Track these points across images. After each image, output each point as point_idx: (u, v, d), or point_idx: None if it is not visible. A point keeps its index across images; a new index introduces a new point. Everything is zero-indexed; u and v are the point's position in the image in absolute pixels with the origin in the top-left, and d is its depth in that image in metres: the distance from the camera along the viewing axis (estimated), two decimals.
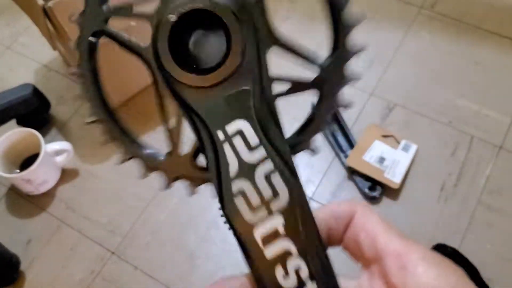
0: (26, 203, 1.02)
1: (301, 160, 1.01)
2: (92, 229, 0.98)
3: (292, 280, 0.25)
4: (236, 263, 0.92)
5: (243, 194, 0.25)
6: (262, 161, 0.25)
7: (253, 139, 0.25)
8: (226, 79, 0.24)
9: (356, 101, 1.06)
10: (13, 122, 1.06)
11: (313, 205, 0.84)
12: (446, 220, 0.93)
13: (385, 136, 1.00)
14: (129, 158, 0.28)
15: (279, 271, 0.25)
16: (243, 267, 0.90)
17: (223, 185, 0.25)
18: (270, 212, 0.25)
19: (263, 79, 0.25)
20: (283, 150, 0.25)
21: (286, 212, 0.25)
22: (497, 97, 1.06)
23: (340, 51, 0.27)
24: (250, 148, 0.25)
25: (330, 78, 0.27)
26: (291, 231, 0.25)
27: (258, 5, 0.25)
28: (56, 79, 1.17)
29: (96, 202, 1.01)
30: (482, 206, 0.94)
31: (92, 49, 0.28)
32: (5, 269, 0.91)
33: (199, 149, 0.27)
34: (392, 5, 1.22)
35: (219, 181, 0.26)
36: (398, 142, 0.99)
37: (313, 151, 0.28)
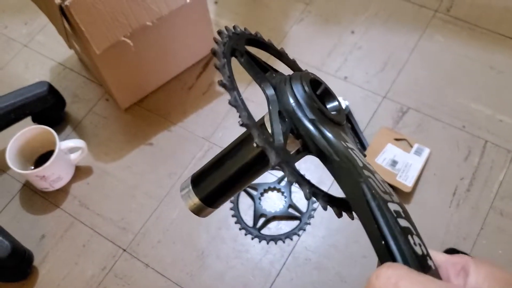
0: (40, 199, 1.03)
1: (312, 162, 1.01)
2: (104, 226, 0.99)
3: (420, 249, 0.29)
4: (246, 263, 0.92)
5: (372, 179, 0.31)
6: (373, 173, 0.32)
7: (362, 158, 0.34)
8: (342, 124, 0.37)
9: (369, 103, 1.06)
10: (28, 119, 1.08)
11: None
12: (458, 225, 0.92)
13: (398, 140, 1.00)
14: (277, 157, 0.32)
15: (411, 240, 0.29)
16: (252, 267, 0.90)
17: (358, 169, 0.32)
18: (392, 200, 0.31)
19: None
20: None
21: (401, 206, 0.31)
22: (511, 102, 1.06)
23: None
24: (363, 161, 0.33)
25: None
26: (407, 216, 0.30)
27: None
28: (71, 77, 1.18)
29: (109, 200, 1.02)
30: (494, 211, 0.93)
31: (228, 61, 0.35)
32: (19, 264, 0.92)
33: None
34: (407, 8, 1.21)
35: (354, 166, 0.32)
36: (411, 146, 0.99)
37: None
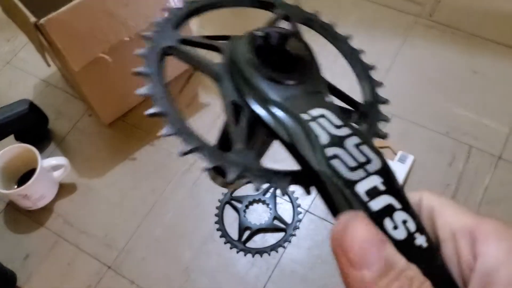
0: (24, 218, 1.02)
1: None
2: (89, 244, 0.98)
3: (402, 231, 0.25)
4: (231, 278, 0.91)
5: (338, 157, 0.26)
6: (348, 136, 0.27)
7: (336, 121, 0.28)
8: (305, 80, 0.30)
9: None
10: (11, 137, 1.07)
11: (309, 217, 0.84)
12: None
13: (381, 147, 0.99)
14: (191, 151, 0.27)
15: (388, 223, 0.25)
16: (238, 281, 0.89)
17: (317, 151, 0.26)
18: (367, 173, 0.26)
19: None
20: (363, 132, 0.28)
21: (382, 173, 0.26)
22: (495, 106, 1.05)
23: (374, 98, 0.35)
24: (335, 126, 0.27)
25: (369, 114, 0.34)
26: (390, 188, 0.26)
27: None
28: (54, 93, 1.18)
29: (93, 216, 1.01)
30: None
31: (162, 59, 0.31)
32: (1, 285, 0.91)
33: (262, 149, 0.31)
34: (389, 14, 1.21)
35: (313, 148, 0.27)
36: (395, 153, 0.98)
37: None
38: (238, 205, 0.98)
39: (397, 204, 0.25)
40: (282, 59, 0.31)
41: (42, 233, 1.00)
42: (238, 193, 1.00)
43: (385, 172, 0.26)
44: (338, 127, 0.27)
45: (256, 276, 0.91)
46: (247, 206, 0.98)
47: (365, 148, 0.27)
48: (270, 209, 0.97)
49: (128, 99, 1.10)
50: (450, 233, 0.25)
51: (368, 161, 0.26)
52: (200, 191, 1.01)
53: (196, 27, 1.23)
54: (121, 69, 1.00)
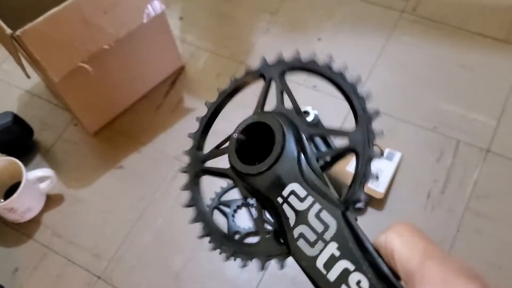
0: (12, 231, 1.01)
1: None
2: (78, 254, 0.97)
3: None
4: (222, 283, 0.90)
5: (302, 236, 0.31)
6: (310, 206, 0.31)
7: (302, 193, 0.32)
8: (275, 162, 0.34)
9: (339, 111, 1.05)
10: None
11: None
12: (434, 229, 0.91)
13: None
14: (232, 255, 0.37)
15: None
16: (229, 287, 0.87)
17: (287, 235, 0.31)
18: (325, 242, 0.30)
19: (306, 156, 0.34)
20: (325, 193, 0.32)
21: (337, 238, 0.30)
22: (482, 99, 1.04)
23: (361, 118, 0.35)
24: (301, 200, 0.32)
25: (360, 140, 0.35)
26: (344, 252, 0.29)
27: (294, 110, 0.37)
28: (39, 104, 1.17)
29: (82, 227, 1.00)
30: (470, 212, 0.92)
31: (196, 182, 0.41)
32: None
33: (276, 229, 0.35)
34: (373, 11, 1.20)
35: (284, 234, 0.32)
36: (382, 151, 0.97)
37: (362, 205, 0.36)
38: (226, 210, 0.97)
39: (351, 266, 0.28)
40: (258, 144, 0.36)
41: (31, 245, 0.99)
42: (226, 197, 0.99)
43: (340, 235, 0.30)
44: (303, 199, 0.32)
45: (247, 281, 0.90)
46: (235, 211, 0.97)
47: (324, 214, 0.31)
48: None
49: (112, 107, 1.10)
50: (404, 277, 0.27)
51: (326, 227, 0.30)
52: None
53: (178, 31, 1.22)
54: (104, 77, 0.99)
